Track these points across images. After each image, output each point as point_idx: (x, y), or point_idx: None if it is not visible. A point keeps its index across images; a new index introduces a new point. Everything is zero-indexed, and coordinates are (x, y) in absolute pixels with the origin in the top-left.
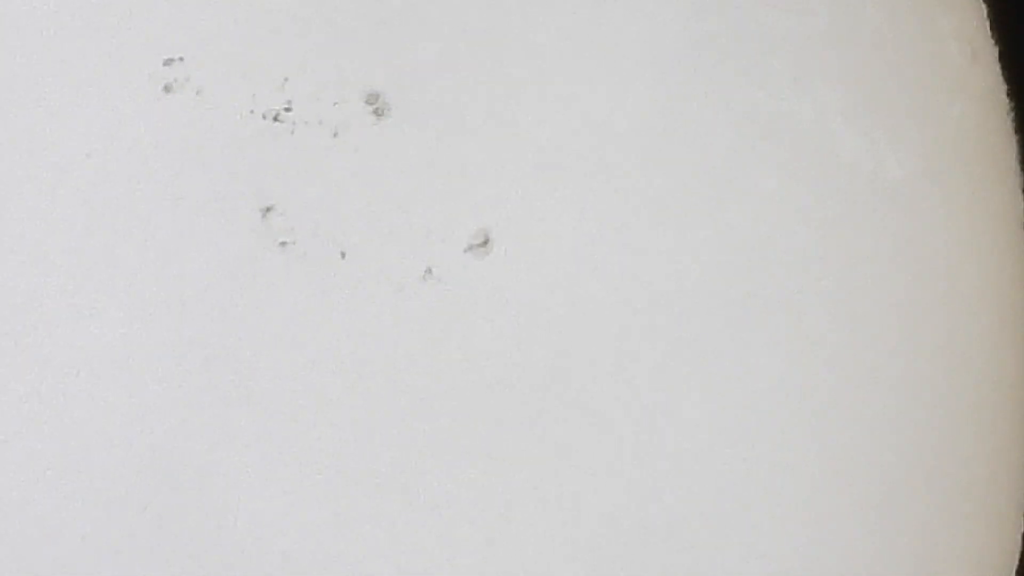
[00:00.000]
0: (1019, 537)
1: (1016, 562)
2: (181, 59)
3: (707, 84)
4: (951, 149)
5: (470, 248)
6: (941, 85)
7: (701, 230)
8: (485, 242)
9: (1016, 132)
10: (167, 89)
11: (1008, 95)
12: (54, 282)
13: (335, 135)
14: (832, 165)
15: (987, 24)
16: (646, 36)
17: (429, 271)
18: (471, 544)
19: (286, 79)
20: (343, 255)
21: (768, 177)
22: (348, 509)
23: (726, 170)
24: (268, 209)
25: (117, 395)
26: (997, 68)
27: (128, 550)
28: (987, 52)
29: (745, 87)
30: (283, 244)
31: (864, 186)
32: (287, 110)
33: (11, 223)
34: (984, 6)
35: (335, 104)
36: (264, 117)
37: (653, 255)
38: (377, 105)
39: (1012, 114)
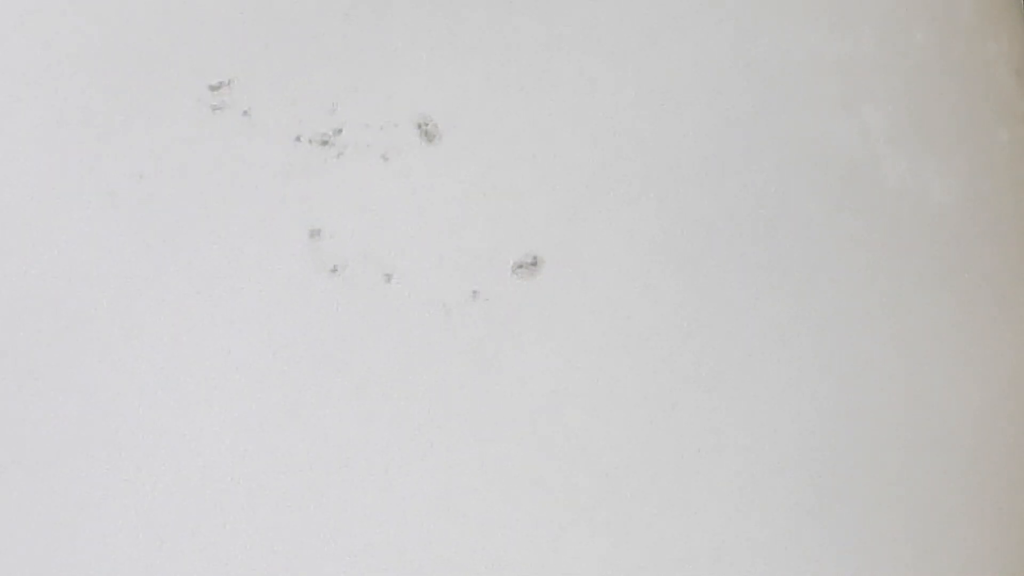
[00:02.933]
0: None
1: None
2: (229, 83)
3: (755, 107)
4: (997, 174)
5: (518, 270)
6: (988, 110)
7: (747, 252)
8: (533, 263)
9: None
10: (214, 112)
11: None
12: (100, 309)
13: (384, 159)
14: (878, 189)
15: None
16: (695, 61)
17: (476, 293)
18: (529, 564)
19: (335, 104)
20: (389, 278)
21: (814, 201)
22: (396, 532)
23: (772, 193)
24: (316, 232)
25: (170, 422)
26: None
27: None
28: None
29: (792, 111)
30: (330, 265)
31: (910, 211)
32: (336, 134)
33: (62, 246)
34: None
35: (384, 128)
36: (312, 141)
37: (699, 276)
38: (426, 129)
39: None
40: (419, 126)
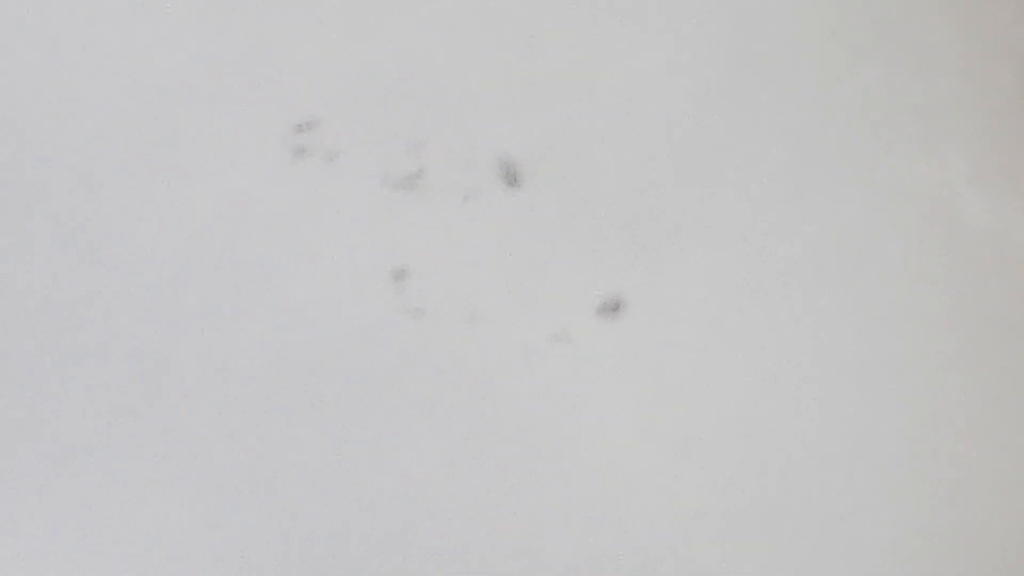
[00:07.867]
0: None
1: None
2: (315, 124)
3: (836, 148)
4: None
5: (601, 312)
6: None
7: (829, 295)
8: (616, 306)
9: None
10: (299, 154)
11: None
12: (183, 351)
13: (466, 200)
14: (959, 230)
15: None
16: (776, 102)
17: (560, 335)
18: None
19: (418, 145)
20: (473, 319)
21: (894, 241)
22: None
23: (853, 234)
24: (400, 273)
25: (254, 450)
26: None
27: None
28: None
29: (873, 152)
30: (414, 307)
31: (991, 251)
32: (419, 176)
33: (145, 288)
34: None
35: (467, 170)
36: (395, 182)
37: (782, 320)
38: (509, 171)
39: None
40: (501, 167)
